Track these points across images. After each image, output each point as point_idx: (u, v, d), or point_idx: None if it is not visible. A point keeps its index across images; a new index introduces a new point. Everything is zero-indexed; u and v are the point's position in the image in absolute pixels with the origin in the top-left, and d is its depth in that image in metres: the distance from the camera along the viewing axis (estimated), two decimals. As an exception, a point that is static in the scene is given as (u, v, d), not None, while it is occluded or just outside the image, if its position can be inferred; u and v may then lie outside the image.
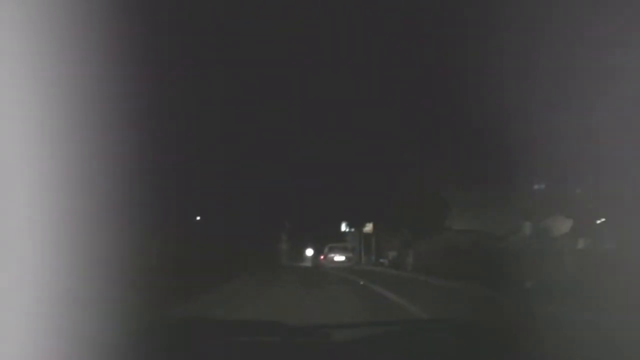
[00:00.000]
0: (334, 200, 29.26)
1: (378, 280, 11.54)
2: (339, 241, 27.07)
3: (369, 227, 25.36)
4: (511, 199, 13.80)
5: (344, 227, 31.56)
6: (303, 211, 38.16)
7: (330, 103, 23.83)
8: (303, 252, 38.79)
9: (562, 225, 8.73)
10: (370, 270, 18.77)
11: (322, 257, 26.65)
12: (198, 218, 21.24)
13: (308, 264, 36.08)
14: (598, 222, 8.51)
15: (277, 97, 23.67)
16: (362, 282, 11.29)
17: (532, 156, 9.74)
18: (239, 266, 16.47)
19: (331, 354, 1.66)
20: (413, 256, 16.39)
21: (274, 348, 1.66)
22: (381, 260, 22.69)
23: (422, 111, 19.42)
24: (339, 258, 22.53)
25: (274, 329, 1.76)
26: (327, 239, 29.55)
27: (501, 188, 14.26)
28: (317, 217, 37.02)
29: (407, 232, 20.65)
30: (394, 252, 21.34)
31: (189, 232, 17.20)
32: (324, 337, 1.70)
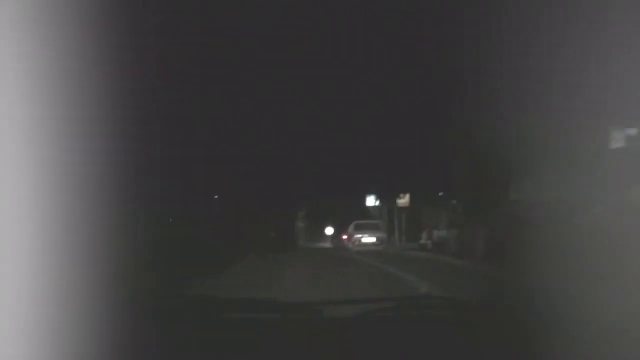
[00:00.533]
0: (358, 169, 24.82)
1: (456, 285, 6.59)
2: (364, 217, 22.08)
3: (404, 200, 20.12)
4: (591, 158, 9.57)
5: (370, 201, 26.54)
6: (321, 185, 34.06)
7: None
8: (322, 231, 33.97)
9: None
10: (415, 258, 13.69)
11: (345, 237, 21.80)
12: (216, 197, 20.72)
13: (328, 244, 31.74)
14: None
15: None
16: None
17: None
18: (239, 250, 13.90)
19: (324, 330, 1.72)
20: (484, 237, 11.38)
21: (269, 324, 1.74)
22: (421, 242, 17.69)
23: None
24: (369, 239, 17.54)
25: (270, 306, 1.86)
26: (349, 216, 25.18)
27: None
28: (338, 190, 32.44)
29: (457, 205, 15.67)
30: (440, 231, 16.35)
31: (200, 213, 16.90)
32: (317, 313, 1.78)
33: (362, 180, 29.33)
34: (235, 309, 1.86)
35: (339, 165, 31.63)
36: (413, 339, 1.60)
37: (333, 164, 32.85)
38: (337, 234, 28.72)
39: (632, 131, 9.79)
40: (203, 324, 1.68)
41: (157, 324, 1.62)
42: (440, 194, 16.62)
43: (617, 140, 9.95)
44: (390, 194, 22.11)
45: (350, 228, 19.17)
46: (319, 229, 35.22)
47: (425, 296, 3.15)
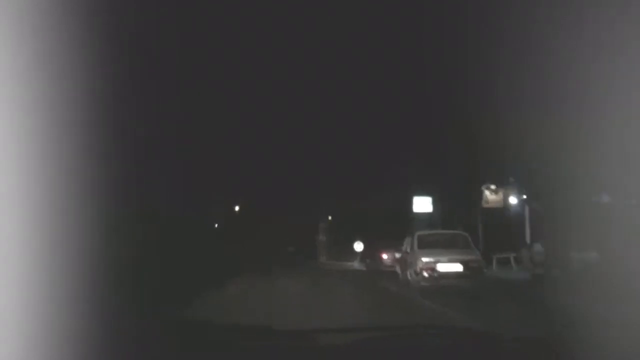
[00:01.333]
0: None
1: None
2: (410, 228, 13.81)
3: (496, 196, 11.61)
4: None
5: (422, 205, 18.46)
6: (350, 188, 27.45)
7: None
8: (350, 246, 25.61)
9: None
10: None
11: (390, 257, 14.10)
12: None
13: (356, 264, 23.85)
14: None
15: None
16: None
17: None
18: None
19: (317, 358, 1.72)
20: None
21: (262, 351, 1.73)
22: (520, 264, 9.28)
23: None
24: (451, 266, 8.93)
25: (264, 333, 1.85)
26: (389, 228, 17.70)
27: None
28: (370, 192, 24.84)
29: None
30: (591, 253, 8.28)
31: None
32: (311, 341, 1.78)
33: (403, 179, 21.87)
34: (230, 335, 1.89)
35: (370, 161, 24.93)
36: None
37: (363, 160, 25.95)
38: (370, 250, 20.96)
39: None
40: (196, 349, 1.68)
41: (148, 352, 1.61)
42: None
43: None
44: (462, 189, 13.92)
45: (409, 244, 10.41)
46: (347, 242, 27.11)
47: (419, 325, 2.58)
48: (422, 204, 18.68)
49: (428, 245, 9.56)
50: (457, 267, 8.89)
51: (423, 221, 17.86)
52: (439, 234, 11.03)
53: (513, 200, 11.79)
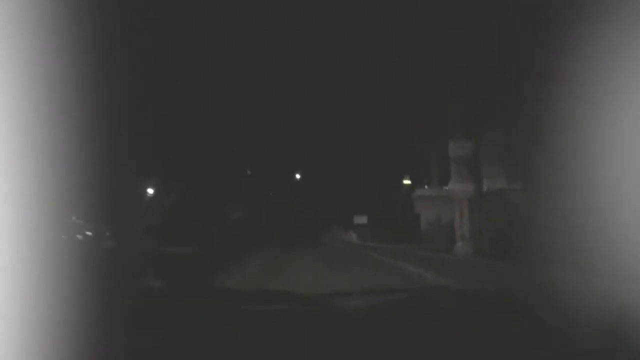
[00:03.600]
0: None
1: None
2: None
3: None
4: None
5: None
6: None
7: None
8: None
9: None
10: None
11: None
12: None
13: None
14: None
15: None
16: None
17: None
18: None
19: (336, 321, 1.70)
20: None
21: (282, 316, 1.74)
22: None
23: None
24: None
25: (281, 298, 1.93)
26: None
27: None
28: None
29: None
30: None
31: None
32: (328, 305, 1.81)
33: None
34: (245, 300, 1.93)
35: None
36: (421, 332, 1.59)
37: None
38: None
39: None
40: (213, 315, 1.70)
41: (163, 319, 1.64)
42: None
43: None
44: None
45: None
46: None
47: (434, 287, 3.16)
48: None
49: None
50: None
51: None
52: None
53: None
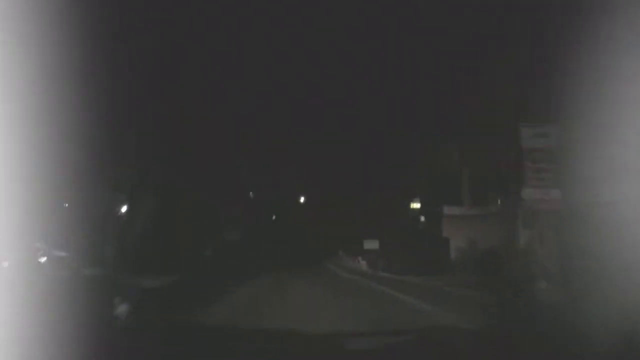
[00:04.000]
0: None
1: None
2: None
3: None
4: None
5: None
6: None
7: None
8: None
9: None
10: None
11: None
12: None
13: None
14: None
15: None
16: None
17: None
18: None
19: None
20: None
21: (288, 355, 1.74)
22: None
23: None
24: None
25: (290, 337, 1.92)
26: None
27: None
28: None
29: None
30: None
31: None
32: (337, 345, 1.81)
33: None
34: (254, 339, 1.92)
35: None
36: None
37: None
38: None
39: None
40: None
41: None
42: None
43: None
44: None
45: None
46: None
47: (437, 328, 3.32)
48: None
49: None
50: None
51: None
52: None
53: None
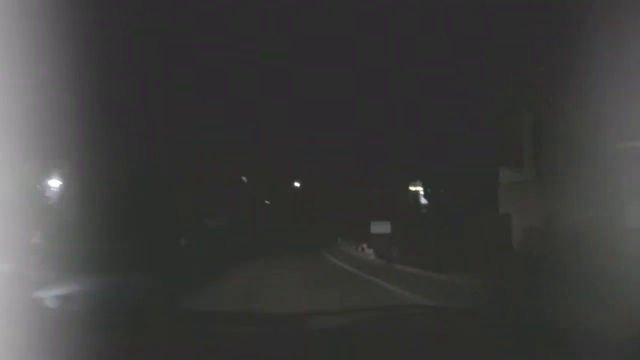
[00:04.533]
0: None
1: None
2: None
3: None
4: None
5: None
6: None
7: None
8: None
9: None
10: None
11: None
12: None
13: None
14: None
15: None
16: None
17: None
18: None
19: (309, 342, 1.65)
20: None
21: (255, 338, 1.69)
22: None
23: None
24: None
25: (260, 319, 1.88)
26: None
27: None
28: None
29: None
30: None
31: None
32: (305, 325, 1.74)
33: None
34: (225, 322, 1.84)
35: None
36: (401, 351, 1.55)
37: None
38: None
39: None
40: (192, 337, 1.63)
41: (145, 338, 1.59)
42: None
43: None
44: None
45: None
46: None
47: (410, 306, 3.15)
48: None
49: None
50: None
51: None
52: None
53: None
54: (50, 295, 5.54)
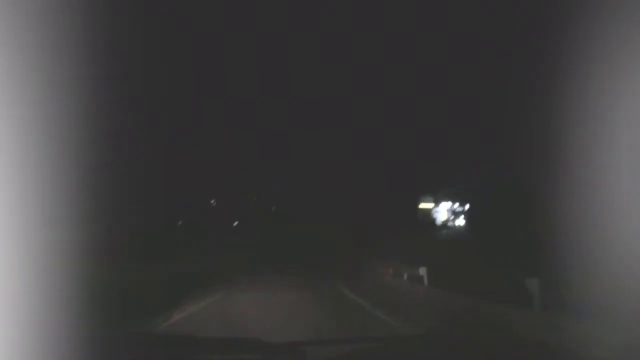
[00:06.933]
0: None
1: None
2: None
3: None
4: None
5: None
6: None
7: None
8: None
9: None
10: None
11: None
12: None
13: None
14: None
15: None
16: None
17: None
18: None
19: None
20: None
21: None
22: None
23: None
24: None
25: (252, 347, 1.79)
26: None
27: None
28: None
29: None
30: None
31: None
32: (301, 354, 1.68)
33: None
34: (214, 349, 1.77)
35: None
36: None
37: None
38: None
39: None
40: None
41: None
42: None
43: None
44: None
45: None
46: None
47: (406, 337, 3.04)
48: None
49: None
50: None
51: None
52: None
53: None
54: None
